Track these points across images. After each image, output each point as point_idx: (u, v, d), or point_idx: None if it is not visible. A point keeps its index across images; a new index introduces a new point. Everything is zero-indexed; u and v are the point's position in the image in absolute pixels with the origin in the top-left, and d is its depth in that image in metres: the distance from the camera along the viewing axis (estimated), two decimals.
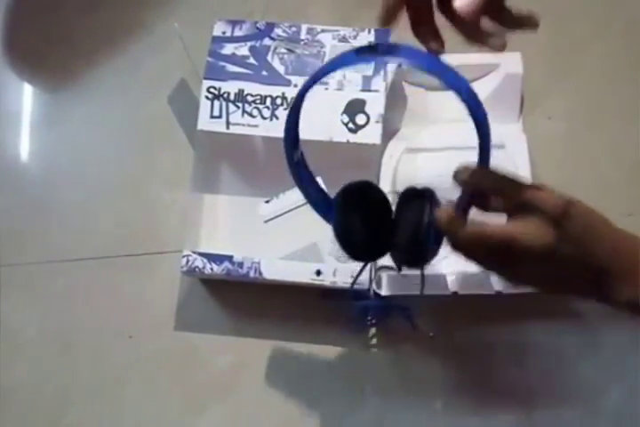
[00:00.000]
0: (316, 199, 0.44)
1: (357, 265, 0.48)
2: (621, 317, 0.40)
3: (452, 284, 0.55)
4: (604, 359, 0.59)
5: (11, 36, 0.75)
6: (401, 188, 0.59)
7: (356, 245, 0.43)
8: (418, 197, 0.43)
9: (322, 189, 0.44)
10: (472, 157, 0.58)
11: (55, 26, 0.74)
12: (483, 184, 0.40)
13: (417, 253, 0.42)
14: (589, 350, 0.59)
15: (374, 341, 0.60)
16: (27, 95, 0.73)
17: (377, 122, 0.56)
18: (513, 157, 0.59)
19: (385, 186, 0.60)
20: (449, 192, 0.58)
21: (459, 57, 0.60)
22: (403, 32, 0.39)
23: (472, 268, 0.56)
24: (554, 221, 0.38)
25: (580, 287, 0.40)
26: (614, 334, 0.59)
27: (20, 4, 0.76)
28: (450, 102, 0.64)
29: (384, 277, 0.56)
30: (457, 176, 0.41)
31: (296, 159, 0.42)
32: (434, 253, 0.43)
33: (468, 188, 0.41)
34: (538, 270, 0.39)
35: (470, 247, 0.40)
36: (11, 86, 0.74)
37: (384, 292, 0.56)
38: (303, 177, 0.43)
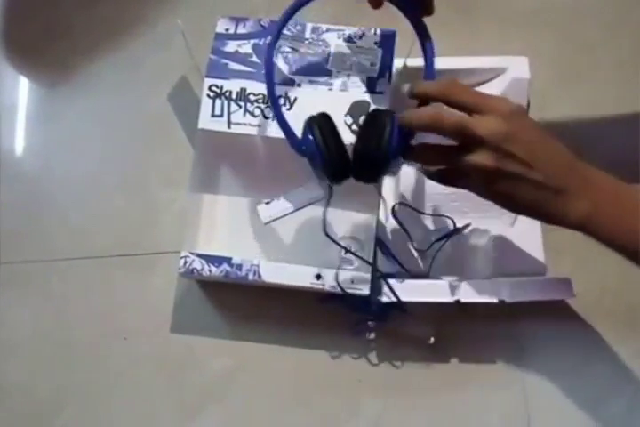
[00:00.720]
0: (290, 132, 0.50)
1: (358, 271, 0.49)
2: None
3: (454, 292, 0.54)
4: (604, 371, 0.59)
5: (9, 30, 0.74)
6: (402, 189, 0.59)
7: (330, 160, 0.48)
8: (377, 116, 0.48)
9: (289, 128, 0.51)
10: None
11: (54, 20, 0.73)
12: (431, 93, 0.44)
13: (377, 160, 0.47)
14: (589, 361, 0.59)
15: (373, 345, 0.60)
16: (24, 90, 0.72)
17: None
18: None
19: (388, 187, 0.60)
20: (451, 196, 0.58)
21: (466, 60, 0.60)
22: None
23: (475, 276, 0.56)
24: (508, 116, 0.41)
25: (537, 199, 0.42)
26: (616, 345, 0.59)
27: None
28: None
29: (385, 284, 0.56)
30: (409, 92, 0.45)
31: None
32: (395, 164, 0.48)
33: (420, 99, 0.45)
34: (492, 174, 0.42)
35: (427, 128, 0.43)
36: (8, 81, 0.72)
37: (385, 299, 0.55)
38: (279, 110, 0.51)
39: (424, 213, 0.58)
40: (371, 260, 0.56)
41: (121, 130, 0.69)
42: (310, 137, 0.47)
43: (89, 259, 0.64)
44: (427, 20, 0.50)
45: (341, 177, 0.49)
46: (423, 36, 0.50)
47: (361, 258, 0.55)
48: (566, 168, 0.42)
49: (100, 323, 0.62)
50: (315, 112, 0.50)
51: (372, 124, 0.47)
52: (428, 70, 0.49)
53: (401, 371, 0.59)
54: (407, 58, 0.59)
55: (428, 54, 0.49)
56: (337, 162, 0.48)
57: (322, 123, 0.48)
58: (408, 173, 0.59)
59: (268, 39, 0.54)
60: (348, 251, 0.55)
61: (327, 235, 0.51)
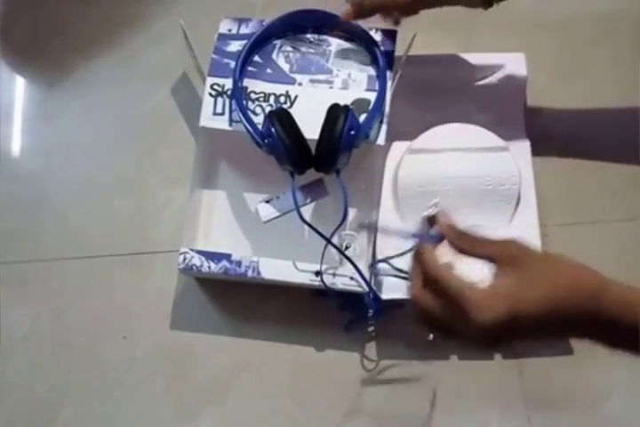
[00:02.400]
0: (254, 126, 0.56)
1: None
2: None
3: None
4: (606, 365, 0.60)
5: (5, 28, 0.76)
6: (402, 188, 0.61)
7: (292, 150, 0.53)
8: (336, 111, 0.53)
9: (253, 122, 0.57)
10: (472, 159, 0.60)
11: (51, 18, 0.75)
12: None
13: (330, 152, 0.53)
14: (588, 357, 0.60)
15: (372, 341, 0.61)
16: (20, 90, 0.74)
17: (381, 122, 0.57)
18: (516, 158, 0.60)
19: (387, 186, 0.62)
20: (449, 192, 0.60)
21: (464, 57, 0.62)
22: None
23: (473, 275, 0.58)
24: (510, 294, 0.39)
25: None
26: None
27: None
28: None
29: (384, 280, 0.57)
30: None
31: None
32: (346, 155, 0.54)
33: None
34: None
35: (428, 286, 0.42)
36: (4, 80, 0.74)
37: (384, 295, 0.57)
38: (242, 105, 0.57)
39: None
40: (369, 256, 0.58)
41: (119, 129, 0.71)
42: (273, 130, 0.53)
43: (88, 258, 0.65)
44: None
45: (303, 166, 0.55)
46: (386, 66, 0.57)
47: (342, 253, 0.56)
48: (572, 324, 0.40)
49: (99, 322, 0.63)
50: (316, 110, 0.53)
51: (327, 119, 0.53)
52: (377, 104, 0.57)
53: (400, 367, 0.60)
54: (406, 55, 0.61)
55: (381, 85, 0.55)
56: (298, 151, 0.53)
57: (282, 116, 0.54)
58: (407, 172, 0.61)
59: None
60: (328, 242, 0.56)
61: (303, 220, 0.55)
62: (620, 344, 0.40)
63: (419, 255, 0.43)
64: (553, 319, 0.39)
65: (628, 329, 0.38)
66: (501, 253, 0.41)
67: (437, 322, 0.41)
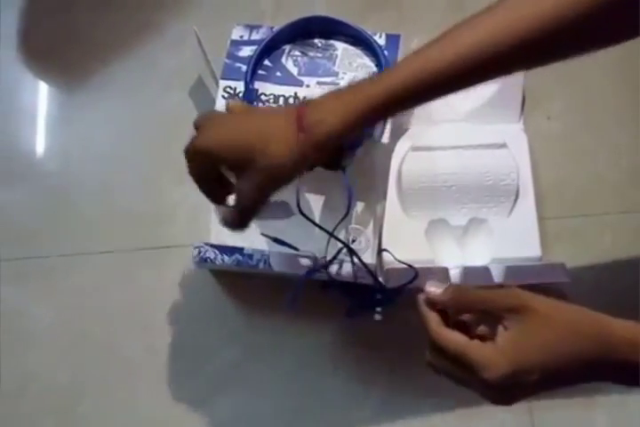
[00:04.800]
0: None
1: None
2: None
3: (453, 277, 0.59)
4: None
5: (26, 35, 0.79)
6: (405, 184, 0.64)
7: None
8: None
9: None
10: (472, 156, 0.63)
11: (70, 26, 0.79)
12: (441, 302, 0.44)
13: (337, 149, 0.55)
14: None
15: (380, 331, 0.64)
16: (42, 93, 0.78)
17: (385, 121, 0.61)
18: (514, 155, 0.64)
19: (392, 182, 0.65)
20: (451, 188, 0.63)
21: None
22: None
23: (473, 261, 0.62)
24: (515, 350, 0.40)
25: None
26: None
27: (36, 4, 0.81)
28: (455, 102, 0.70)
29: (389, 270, 0.61)
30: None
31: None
32: (350, 154, 0.56)
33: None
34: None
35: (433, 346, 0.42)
36: (27, 85, 0.78)
37: (390, 284, 0.60)
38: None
39: None
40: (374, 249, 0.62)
41: (136, 130, 0.75)
42: None
43: (107, 253, 0.69)
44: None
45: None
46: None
47: (341, 241, 0.60)
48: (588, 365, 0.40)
49: (118, 314, 0.66)
50: None
51: None
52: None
53: (407, 356, 0.63)
54: None
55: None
56: None
57: None
58: (410, 169, 0.64)
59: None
60: (330, 235, 0.59)
61: (303, 214, 0.57)
62: (634, 382, 0.39)
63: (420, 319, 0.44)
64: (562, 369, 0.39)
65: (633, 371, 0.39)
66: (500, 308, 0.41)
67: (448, 375, 0.43)
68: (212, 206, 0.66)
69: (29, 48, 0.79)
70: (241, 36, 0.65)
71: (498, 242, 0.62)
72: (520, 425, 0.62)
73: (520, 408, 0.62)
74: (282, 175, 0.46)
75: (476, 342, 0.41)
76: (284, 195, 0.64)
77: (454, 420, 0.62)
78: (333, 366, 0.64)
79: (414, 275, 0.58)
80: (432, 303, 0.44)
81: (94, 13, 0.80)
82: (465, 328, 0.43)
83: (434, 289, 0.44)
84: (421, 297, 0.44)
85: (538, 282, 0.58)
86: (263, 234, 0.64)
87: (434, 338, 0.42)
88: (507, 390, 0.40)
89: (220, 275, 0.67)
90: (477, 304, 0.42)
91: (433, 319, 0.43)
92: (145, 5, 0.80)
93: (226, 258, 0.61)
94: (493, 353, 0.39)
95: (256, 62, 0.62)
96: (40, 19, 0.81)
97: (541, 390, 0.40)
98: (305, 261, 0.61)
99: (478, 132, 0.65)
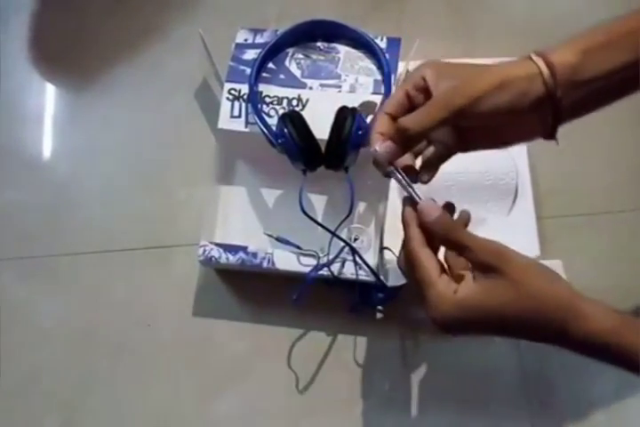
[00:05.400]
0: (268, 128, 0.61)
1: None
2: None
3: None
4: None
5: (35, 38, 0.81)
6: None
7: (304, 148, 0.58)
8: (344, 113, 0.58)
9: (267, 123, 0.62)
10: (472, 156, 0.65)
11: (78, 30, 0.81)
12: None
13: (339, 151, 0.58)
14: None
15: (382, 327, 0.66)
16: (49, 95, 0.80)
17: None
18: (513, 156, 0.65)
19: (393, 183, 0.66)
20: (451, 188, 0.65)
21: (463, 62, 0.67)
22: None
23: None
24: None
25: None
26: None
27: (45, 8, 0.83)
28: None
29: (390, 268, 0.62)
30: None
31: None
32: (354, 154, 0.58)
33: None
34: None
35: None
36: (34, 86, 0.80)
37: (390, 283, 0.62)
38: (257, 108, 0.62)
39: None
40: (377, 248, 0.64)
41: (142, 131, 0.76)
42: (286, 130, 0.58)
43: (114, 252, 0.71)
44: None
45: (314, 164, 0.60)
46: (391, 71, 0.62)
47: (343, 240, 0.61)
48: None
49: (125, 311, 0.68)
50: (326, 112, 0.59)
51: (336, 120, 0.58)
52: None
53: (406, 352, 0.65)
54: (409, 62, 0.67)
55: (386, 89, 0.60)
56: (309, 150, 0.58)
57: (295, 118, 0.59)
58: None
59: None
60: (333, 234, 0.61)
61: (305, 213, 0.59)
62: (590, 356, 0.40)
63: (402, 224, 0.44)
64: (506, 331, 0.41)
65: (598, 349, 0.39)
66: (476, 260, 0.41)
67: (410, 280, 0.44)
68: (217, 205, 0.68)
69: (38, 51, 0.81)
70: (245, 40, 0.67)
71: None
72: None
73: (520, 408, 0.63)
74: None
75: (442, 281, 0.42)
76: (288, 194, 0.67)
77: (453, 414, 0.64)
78: (335, 358, 0.66)
79: None
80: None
81: (102, 18, 0.82)
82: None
83: (428, 211, 0.43)
84: (410, 214, 0.44)
85: None
86: (266, 233, 0.65)
87: (411, 255, 0.43)
88: (447, 328, 0.41)
89: (225, 273, 0.69)
90: (458, 248, 0.42)
91: (416, 237, 0.43)
92: (151, 10, 0.82)
93: (230, 257, 0.62)
94: (448, 301, 0.41)
95: (260, 65, 0.64)
96: (49, 22, 0.82)
97: (484, 335, 0.42)
98: (308, 260, 0.62)
99: None
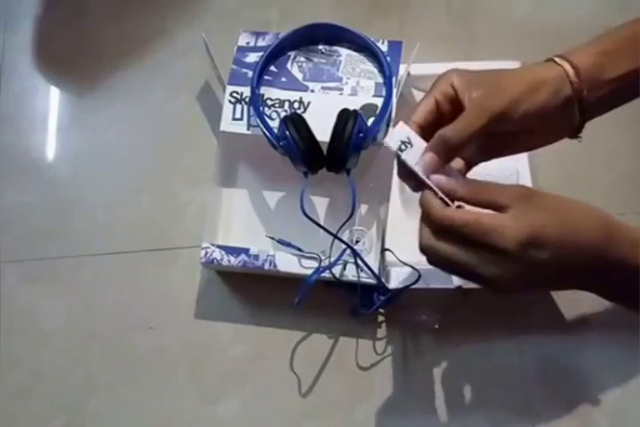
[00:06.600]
0: (270, 131, 0.61)
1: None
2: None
3: (456, 278, 0.60)
4: (599, 348, 0.64)
5: (41, 42, 0.82)
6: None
7: (305, 150, 0.58)
8: (345, 115, 0.58)
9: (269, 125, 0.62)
10: None
11: (83, 34, 0.82)
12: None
13: (341, 153, 0.58)
14: (584, 343, 0.65)
15: (382, 330, 0.66)
16: (54, 98, 0.80)
17: (388, 125, 0.63)
18: (514, 159, 0.65)
19: (394, 186, 0.67)
20: None
21: (460, 65, 0.67)
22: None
23: None
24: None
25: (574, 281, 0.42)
26: (609, 328, 0.65)
27: (50, 12, 0.84)
28: None
29: (392, 271, 0.63)
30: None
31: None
32: (355, 155, 0.59)
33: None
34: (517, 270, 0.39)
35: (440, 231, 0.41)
36: (39, 90, 0.81)
37: (392, 285, 0.62)
38: (259, 111, 0.62)
39: None
40: (378, 250, 0.64)
41: (145, 134, 0.77)
42: (287, 133, 0.58)
43: (116, 254, 0.71)
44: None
45: (316, 166, 0.60)
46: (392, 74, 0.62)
47: (344, 243, 0.62)
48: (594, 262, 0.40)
49: (127, 313, 0.68)
50: (328, 115, 0.59)
51: (337, 122, 0.58)
52: (384, 109, 0.61)
53: (407, 355, 0.65)
54: (410, 65, 0.67)
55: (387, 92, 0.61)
56: (311, 153, 0.58)
57: (296, 121, 0.59)
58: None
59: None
60: (334, 236, 0.61)
61: (307, 215, 0.60)
62: (620, 291, 0.41)
63: (422, 207, 0.42)
64: (571, 256, 0.39)
65: (631, 273, 0.39)
66: (509, 195, 0.40)
67: (458, 267, 0.41)
68: (219, 208, 0.68)
69: (43, 55, 0.82)
70: (247, 43, 0.68)
71: None
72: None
73: (522, 410, 0.63)
74: None
75: (489, 211, 0.40)
76: (290, 196, 0.68)
77: (455, 416, 0.64)
78: (337, 361, 0.66)
79: (417, 276, 0.60)
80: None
81: (106, 22, 0.83)
82: None
83: (441, 179, 0.42)
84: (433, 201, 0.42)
85: None
86: (268, 236, 0.66)
87: (439, 219, 0.40)
88: (518, 265, 0.39)
89: (227, 275, 0.69)
90: (486, 193, 0.41)
91: (436, 204, 0.41)
92: (155, 14, 0.83)
93: (232, 259, 0.63)
94: (508, 219, 0.39)
95: (262, 68, 0.64)
96: (54, 27, 0.83)
97: (546, 280, 0.41)
98: (309, 262, 0.63)
99: None
